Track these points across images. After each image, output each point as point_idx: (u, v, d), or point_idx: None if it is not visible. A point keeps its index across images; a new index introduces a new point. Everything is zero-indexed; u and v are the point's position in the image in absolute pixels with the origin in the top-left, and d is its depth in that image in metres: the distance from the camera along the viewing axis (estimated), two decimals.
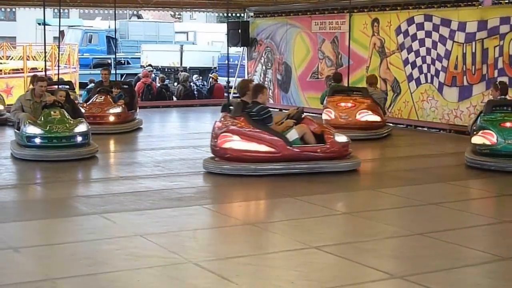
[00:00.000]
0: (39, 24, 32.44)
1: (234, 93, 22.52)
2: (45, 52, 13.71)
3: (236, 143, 9.49)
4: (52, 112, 10.91)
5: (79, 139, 10.80)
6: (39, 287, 5.26)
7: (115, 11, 16.44)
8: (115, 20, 16.37)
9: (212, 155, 9.89)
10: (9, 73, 24.00)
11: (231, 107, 10.00)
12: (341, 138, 9.90)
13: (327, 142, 9.73)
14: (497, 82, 11.80)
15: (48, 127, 10.68)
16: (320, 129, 9.95)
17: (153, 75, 22.21)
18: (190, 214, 7.52)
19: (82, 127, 10.90)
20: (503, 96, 11.11)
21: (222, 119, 9.85)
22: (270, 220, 7.29)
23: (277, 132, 9.63)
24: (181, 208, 7.72)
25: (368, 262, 5.87)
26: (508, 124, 10.09)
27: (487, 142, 10.10)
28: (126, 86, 15.30)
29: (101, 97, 14.29)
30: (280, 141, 9.55)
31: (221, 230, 7.00)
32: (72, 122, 10.91)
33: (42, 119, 10.82)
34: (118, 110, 14.13)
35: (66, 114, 11.01)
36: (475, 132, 10.42)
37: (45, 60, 13.55)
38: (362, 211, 7.86)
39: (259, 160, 9.48)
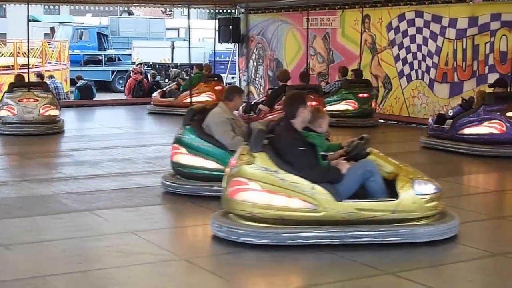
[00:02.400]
0: (30, 20, 32.31)
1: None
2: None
3: None
4: None
5: None
6: (30, 284, 5.25)
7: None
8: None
9: None
10: None
11: None
12: None
13: None
14: (339, 67, 15.23)
15: None
16: None
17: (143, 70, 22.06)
18: (181, 211, 7.51)
19: None
20: (344, 78, 14.57)
21: None
22: None
23: None
24: (172, 205, 7.71)
25: (360, 258, 5.87)
26: (360, 95, 14.15)
27: (350, 108, 14.05)
28: None
29: None
30: None
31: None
32: None
33: None
34: None
35: None
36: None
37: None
38: None
39: None
